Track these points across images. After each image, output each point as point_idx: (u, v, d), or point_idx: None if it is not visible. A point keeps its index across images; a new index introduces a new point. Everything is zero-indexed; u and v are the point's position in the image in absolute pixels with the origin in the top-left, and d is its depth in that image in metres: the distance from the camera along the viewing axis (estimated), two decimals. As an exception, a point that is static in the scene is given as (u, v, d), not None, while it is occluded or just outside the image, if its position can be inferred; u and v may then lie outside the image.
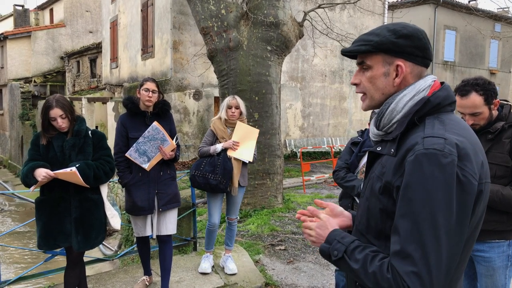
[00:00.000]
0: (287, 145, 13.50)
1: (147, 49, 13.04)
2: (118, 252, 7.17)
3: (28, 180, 2.69)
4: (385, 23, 12.67)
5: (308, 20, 7.36)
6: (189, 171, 3.93)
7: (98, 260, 4.12)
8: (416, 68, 1.22)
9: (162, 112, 3.34)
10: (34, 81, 21.61)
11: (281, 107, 7.36)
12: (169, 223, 3.37)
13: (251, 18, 6.30)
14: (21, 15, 24.73)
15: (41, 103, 17.48)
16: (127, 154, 3.20)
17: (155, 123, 3.17)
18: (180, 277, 3.83)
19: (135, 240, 3.74)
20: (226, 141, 3.76)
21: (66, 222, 2.85)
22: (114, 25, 15.92)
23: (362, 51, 1.24)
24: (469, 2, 22.24)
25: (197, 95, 11.78)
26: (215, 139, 3.84)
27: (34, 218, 2.96)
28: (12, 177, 19.12)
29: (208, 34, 6.38)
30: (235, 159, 3.74)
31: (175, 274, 3.80)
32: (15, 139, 20.64)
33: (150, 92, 3.25)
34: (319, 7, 7.72)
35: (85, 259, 3.30)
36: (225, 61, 6.35)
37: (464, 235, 1.07)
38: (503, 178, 2.18)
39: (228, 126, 3.84)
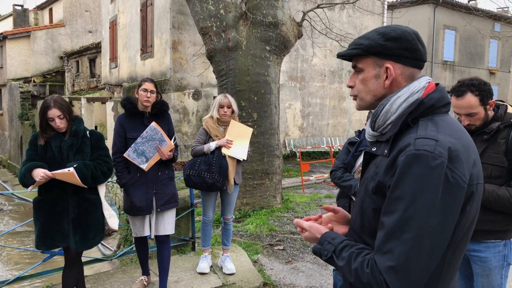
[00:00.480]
0: (287, 145, 13.51)
1: (146, 49, 13.04)
2: (117, 252, 7.18)
3: (26, 180, 2.70)
4: (384, 23, 12.62)
5: (307, 20, 7.36)
6: (187, 171, 3.93)
7: (96, 260, 4.12)
8: (407, 69, 1.23)
9: (160, 112, 3.35)
10: (34, 81, 21.61)
11: (280, 107, 7.37)
12: (167, 223, 3.38)
13: (250, 18, 6.31)
14: (20, 15, 24.72)
15: (40, 103, 17.45)
16: (125, 155, 3.20)
17: (153, 124, 3.18)
18: (178, 277, 3.83)
19: (133, 240, 3.74)
20: (219, 139, 3.76)
21: (64, 222, 2.85)
22: (113, 25, 15.92)
23: (353, 54, 1.28)
24: (468, 2, 22.26)
25: (196, 95, 11.79)
26: (208, 138, 3.83)
27: (32, 219, 2.96)
28: (11, 177, 19.12)
29: (207, 34, 6.39)
30: (230, 157, 3.75)
31: (173, 274, 3.81)
32: (14, 139, 20.64)
33: (149, 93, 3.26)
34: (318, 7, 7.72)
35: (84, 259, 3.31)
36: (224, 61, 6.36)
37: (448, 236, 1.09)
38: (499, 178, 2.19)
39: (220, 124, 3.85)
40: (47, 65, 22.49)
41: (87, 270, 3.76)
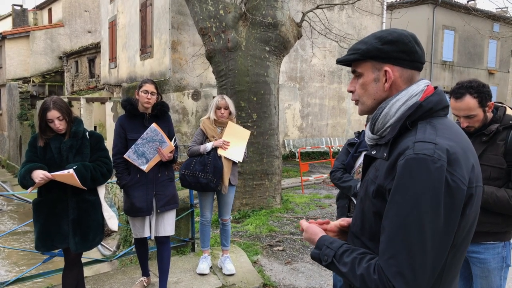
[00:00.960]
0: (286, 145, 13.51)
1: (145, 49, 13.04)
2: (117, 253, 7.18)
3: (26, 181, 2.70)
4: (383, 24, 12.57)
5: (307, 21, 7.37)
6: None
7: (96, 261, 4.13)
8: (406, 72, 1.25)
9: (160, 113, 3.35)
10: (33, 81, 21.59)
11: (279, 107, 7.37)
12: (167, 224, 3.39)
13: (250, 19, 6.31)
14: (19, 15, 24.69)
15: (39, 103, 17.44)
16: (125, 156, 3.21)
17: (154, 125, 3.18)
18: (178, 278, 3.84)
19: (133, 241, 3.75)
20: (216, 140, 3.77)
21: (63, 224, 2.86)
22: (112, 25, 15.92)
23: (351, 59, 1.30)
24: (467, 2, 22.28)
25: (195, 95, 11.79)
26: (204, 138, 3.85)
27: (32, 220, 2.96)
28: (10, 177, 19.11)
29: (207, 35, 6.39)
30: (226, 158, 3.76)
31: (173, 275, 3.81)
32: (13, 139, 20.62)
33: (149, 94, 3.26)
34: (317, 7, 7.73)
35: (84, 260, 3.31)
36: (223, 62, 6.36)
37: (451, 239, 1.10)
38: (498, 180, 2.19)
39: (217, 125, 3.86)
40: (46, 65, 22.47)
41: (87, 271, 3.76)
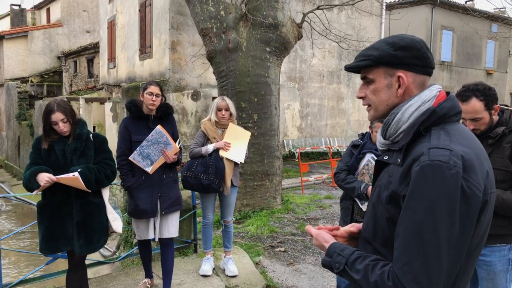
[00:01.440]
0: (285, 145, 13.52)
1: (145, 49, 13.01)
2: (117, 253, 7.18)
3: (31, 184, 2.70)
4: (383, 24, 12.57)
5: (307, 21, 7.37)
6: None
7: (99, 263, 4.12)
8: (418, 77, 1.25)
9: (165, 115, 3.36)
10: (31, 81, 21.51)
11: (279, 108, 7.36)
12: (172, 226, 3.39)
13: (250, 20, 6.31)
14: (17, 15, 24.58)
15: (38, 103, 17.40)
16: (130, 158, 3.21)
17: (159, 127, 3.18)
18: (181, 279, 3.84)
19: (134, 241, 3.74)
20: (217, 141, 3.78)
21: (68, 226, 2.86)
22: (111, 25, 15.88)
23: (363, 66, 1.29)
24: (466, 2, 22.33)
25: (195, 96, 11.78)
26: (206, 140, 3.85)
27: (36, 221, 2.96)
28: (9, 177, 19.05)
29: (207, 35, 6.39)
30: (227, 159, 3.77)
31: (176, 277, 3.81)
32: (11, 139, 20.56)
33: (154, 96, 3.27)
34: (318, 8, 7.74)
35: (87, 261, 3.31)
36: (224, 62, 6.36)
37: (466, 246, 1.10)
38: (504, 182, 2.20)
39: (218, 127, 3.87)
40: (45, 65, 22.39)
41: (88, 272, 3.75)
